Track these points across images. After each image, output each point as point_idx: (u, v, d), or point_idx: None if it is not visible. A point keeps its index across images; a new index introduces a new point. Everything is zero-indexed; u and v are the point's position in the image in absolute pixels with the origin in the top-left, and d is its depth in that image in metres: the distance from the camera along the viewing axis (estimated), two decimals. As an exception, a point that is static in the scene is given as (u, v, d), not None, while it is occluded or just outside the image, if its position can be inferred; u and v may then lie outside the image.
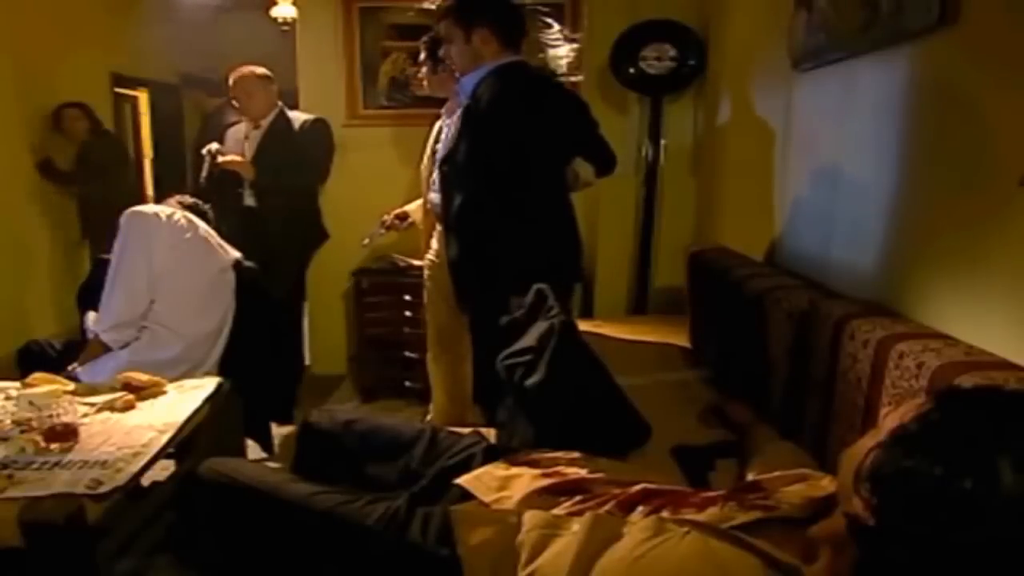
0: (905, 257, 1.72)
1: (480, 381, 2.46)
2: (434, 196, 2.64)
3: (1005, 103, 1.38)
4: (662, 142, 3.54)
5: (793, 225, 2.43)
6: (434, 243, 2.82)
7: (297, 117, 3.51)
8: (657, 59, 3.42)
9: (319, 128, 3.48)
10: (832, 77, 2.10)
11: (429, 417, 2.97)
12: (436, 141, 2.77)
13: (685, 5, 3.51)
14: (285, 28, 5.00)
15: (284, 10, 5.17)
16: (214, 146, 3.41)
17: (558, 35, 3.71)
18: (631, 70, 3.46)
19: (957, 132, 1.53)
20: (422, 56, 2.86)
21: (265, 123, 3.46)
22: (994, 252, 1.40)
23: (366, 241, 3.17)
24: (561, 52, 3.73)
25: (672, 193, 3.60)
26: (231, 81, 3.47)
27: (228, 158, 3.35)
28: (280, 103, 3.51)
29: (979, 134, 1.46)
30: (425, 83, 2.87)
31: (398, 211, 3.05)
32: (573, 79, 3.73)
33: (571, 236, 2.43)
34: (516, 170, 2.20)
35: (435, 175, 2.63)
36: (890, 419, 0.89)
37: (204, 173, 3.40)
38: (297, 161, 3.39)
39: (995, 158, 1.40)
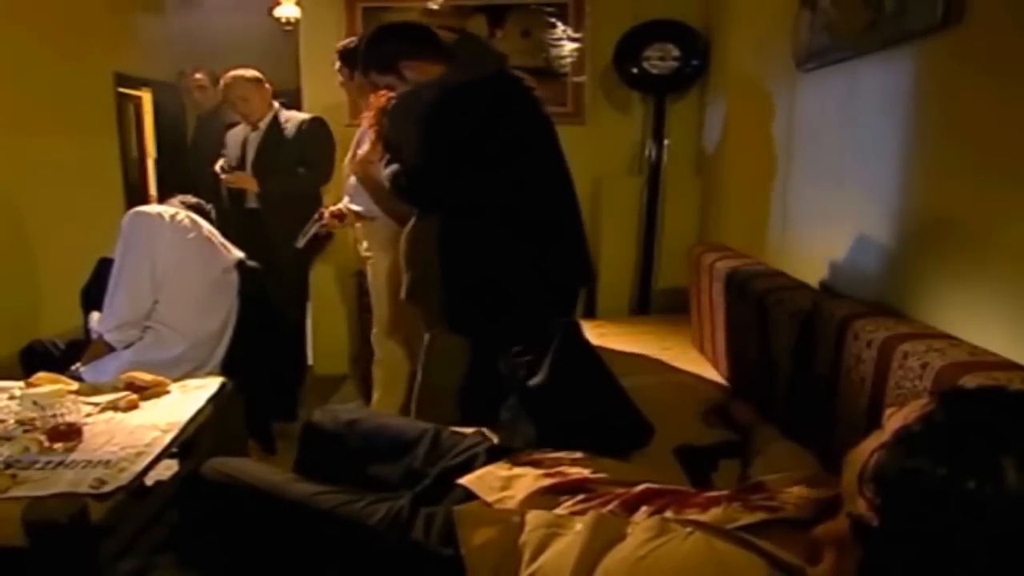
0: (908, 257, 1.71)
1: (471, 395, 2.27)
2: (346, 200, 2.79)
3: (1008, 103, 1.37)
4: (665, 142, 3.54)
5: (796, 225, 2.43)
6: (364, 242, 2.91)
7: (295, 116, 3.52)
8: (660, 59, 3.42)
9: (317, 127, 3.49)
10: (836, 77, 2.09)
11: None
12: (357, 146, 2.76)
13: (688, 5, 3.51)
14: (288, 28, 5.00)
15: (287, 10, 5.18)
16: (223, 163, 3.46)
17: (561, 35, 3.72)
18: (634, 70, 3.46)
19: (961, 132, 1.53)
20: (337, 65, 2.90)
21: (263, 125, 3.48)
22: (997, 253, 1.40)
23: (301, 243, 3.05)
24: (564, 52, 3.74)
25: (675, 193, 3.59)
26: (223, 85, 3.50)
27: (233, 176, 3.38)
28: (277, 104, 3.52)
29: (982, 134, 1.46)
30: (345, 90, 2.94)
31: (333, 208, 3.03)
32: (576, 79, 3.74)
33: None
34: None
35: (352, 180, 2.70)
36: (894, 420, 0.89)
37: (225, 191, 3.49)
38: (299, 163, 3.40)
39: (998, 158, 1.40)
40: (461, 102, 2.00)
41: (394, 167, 2.13)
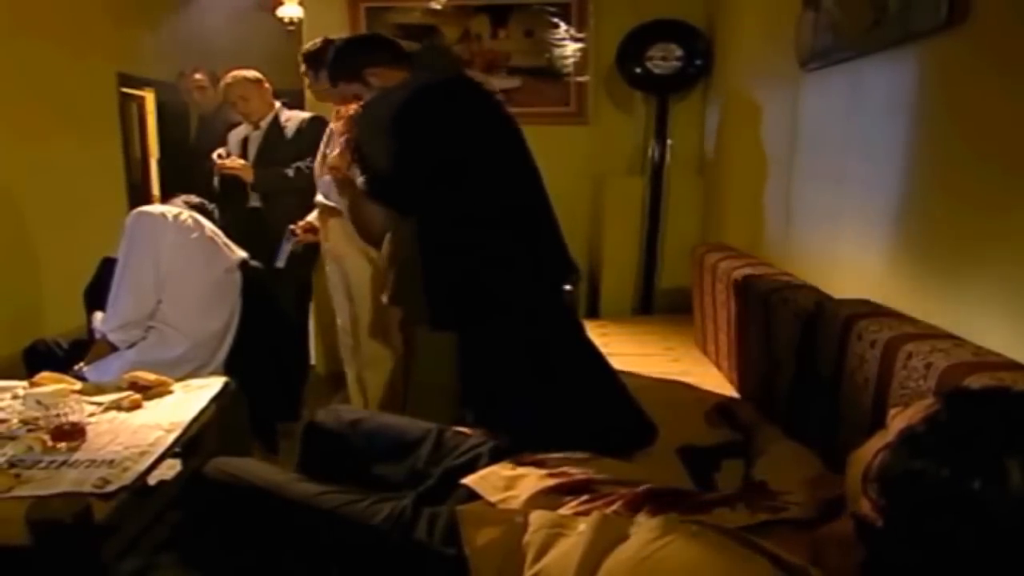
0: (912, 256, 1.71)
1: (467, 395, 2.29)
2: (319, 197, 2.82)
3: (1013, 103, 1.37)
4: (668, 142, 3.54)
5: (799, 225, 2.42)
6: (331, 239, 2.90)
7: (296, 116, 3.52)
8: (663, 59, 3.43)
9: (317, 125, 3.50)
10: (839, 77, 2.09)
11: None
12: (327, 145, 2.83)
13: (691, 5, 3.51)
14: (291, 28, 5.01)
15: (290, 10, 5.19)
16: (222, 151, 3.46)
17: (564, 34, 3.72)
18: (637, 70, 3.47)
19: (965, 132, 1.52)
20: (303, 68, 2.96)
21: (264, 124, 3.49)
22: (1002, 252, 1.39)
23: (281, 263, 3.10)
24: (567, 52, 3.74)
25: (678, 193, 3.59)
26: (223, 85, 3.50)
27: (227, 162, 3.39)
28: (278, 104, 3.53)
29: (987, 134, 1.45)
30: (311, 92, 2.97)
31: (303, 223, 3.07)
32: (579, 79, 3.74)
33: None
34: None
35: (326, 178, 2.72)
36: (898, 420, 0.89)
37: (216, 180, 3.47)
38: (299, 161, 3.41)
39: (1003, 157, 1.40)
40: (431, 100, 2.05)
41: (367, 174, 2.17)
